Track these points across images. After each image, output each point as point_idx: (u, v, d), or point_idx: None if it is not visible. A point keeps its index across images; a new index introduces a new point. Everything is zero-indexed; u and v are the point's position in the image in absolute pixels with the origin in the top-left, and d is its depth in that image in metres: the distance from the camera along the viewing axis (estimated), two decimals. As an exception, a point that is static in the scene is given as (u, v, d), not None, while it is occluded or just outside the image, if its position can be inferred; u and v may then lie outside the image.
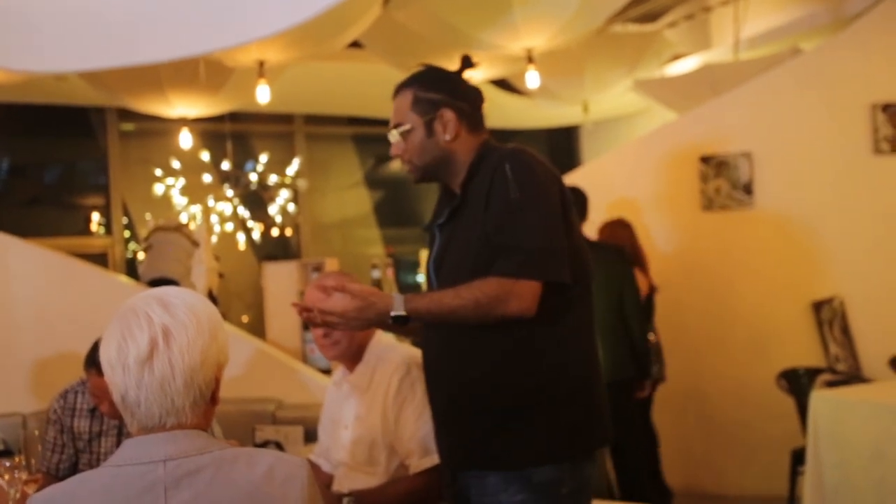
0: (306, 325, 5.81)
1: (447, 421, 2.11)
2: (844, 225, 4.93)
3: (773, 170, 5.04)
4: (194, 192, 8.61)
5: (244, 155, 9.39)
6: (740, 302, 5.09)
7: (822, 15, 6.13)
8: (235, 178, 8.90)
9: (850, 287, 4.91)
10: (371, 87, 6.83)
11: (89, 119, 9.01)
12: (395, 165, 10.05)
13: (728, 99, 5.23)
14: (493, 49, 5.29)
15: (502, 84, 7.57)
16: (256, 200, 9.09)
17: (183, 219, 8.11)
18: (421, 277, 8.59)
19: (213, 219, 8.69)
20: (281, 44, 4.72)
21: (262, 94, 5.23)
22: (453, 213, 2.10)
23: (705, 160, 5.16)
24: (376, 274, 7.41)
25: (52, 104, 7.96)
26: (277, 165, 9.18)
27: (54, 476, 2.88)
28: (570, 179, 4.72)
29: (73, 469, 2.93)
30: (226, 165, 8.65)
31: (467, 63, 2.15)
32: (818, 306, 4.90)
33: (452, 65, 2.18)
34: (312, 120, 9.93)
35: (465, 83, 2.15)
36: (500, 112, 7.98)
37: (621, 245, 4.53)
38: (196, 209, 8.59)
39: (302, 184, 9.64)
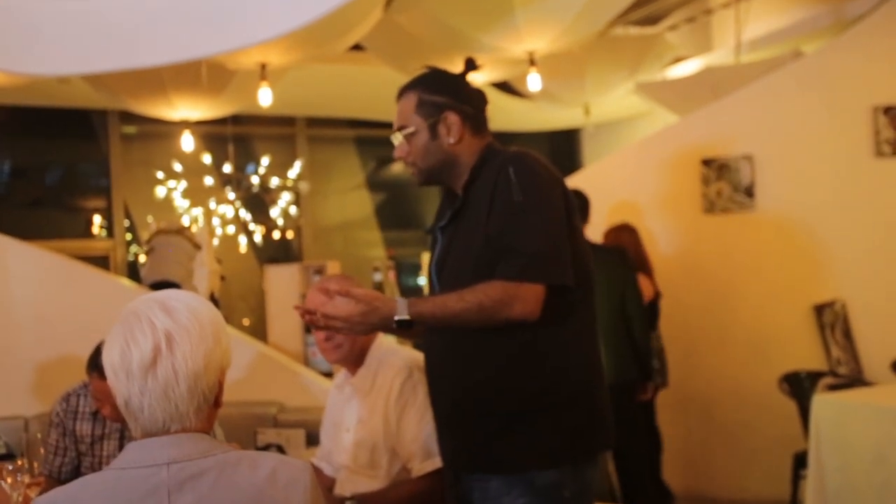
0: (308, 329, 5.82)
1: (450, 424, 2.11)
2: (846, 228, 4.93)
3: (775, 172, 5.04)
4: (196, 195, 8.62)
5: (246, 157, 9.41)
6: (742, 305, 5.09)
7: (823, 17, 6.13)
8: (237, 181, 8.91)
9: (851, 290, 4.90)
10: (373, 90, 6.86)
11: (91, 121, 9.03)
12: (397, 168, 10.08)
13: (729, 102, 5.22)
14: (494, 52, 5.29)
15: (504, 87, 7.58)
16: (258, 203, 9.10)
17: (185, 221, 8.11)
18: (423, 280, 8.59)
19: (215, 221, 8.71)
20: (283, 46, 4.72)
21: (264, 97, 5.24)
22: (455, 216, 2.10)
23: (707, 163, 5.16)
24: (378, 277, 7.41)
25: (54, 106, 7.98)
26: (279, 168, 9.19)
27: (56, 479, 2.88)
28: (572, 182, 4.70)
29: (76, 472, 2.92)
30: (227, 168, 8.66)
31: (471, 65, 2.15)
32: (820, 309, 4.89)
33: (454, 67, 2.18)
34: (314, 122, 9.94)
35: (468, 86, 2.15)
36: (502, 115, 7.98)
37: (624, 248, 4.53)
38: (198, 212, 8.59)
39: (303, 186, 9.65)
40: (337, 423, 2.54)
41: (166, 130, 8.07)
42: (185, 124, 6.36)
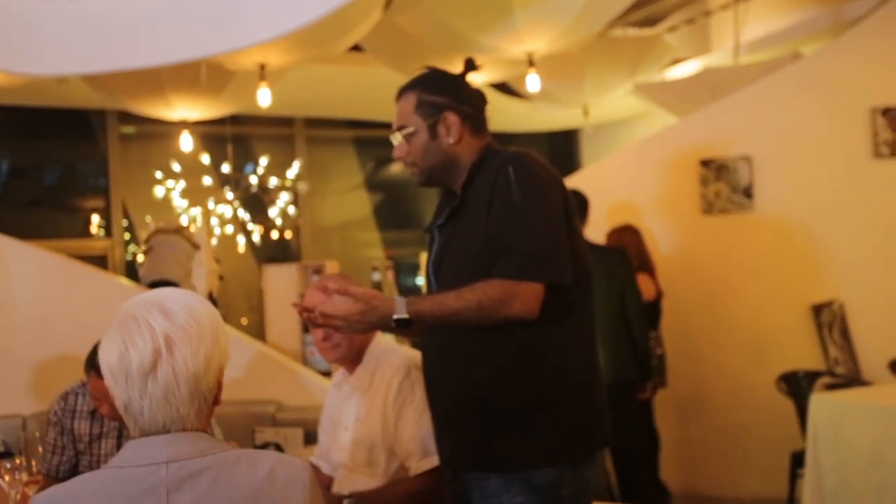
0: (306, 328, 5.81)
1: (449, 423, 2.11)
2: (844, 228, 4.93)
3: (773, 173, 5.05)
4: (194, 195, 8.61)
5: (244, 158, 9.40)
6: (740, 305, 5.10)
7: (822, 19, 6.13)
8: (236, 181, 8.91)
9: (849, 290, 4.91)
10: (371, 91, 6.86)
11: (90, 121, 9.02)
12: (396, 169, 10.08)
13: (728, 103, 5.23)
14: (493, 52, 5.29)
15: (503, 87, 7.58)
16: (257, 203, 9.09)
17: (183, 221, 8.11)
18: (421, 280, 8.59)
19: (214, 221, 8.70)
20: (282, 47, 4.73)
21: (263, 98, 5.24)
22: (453, 214, 2.10)
23: (705, 164, 5.17)
24: (376, 276, 7.40)
25: (52, 107, 7.97)
26: (278, 168, 9.18)
27: (55, 478, 2.89)
28: (571, 183, 4.71)
29: (74, 471, 2.93)
30: (226, 168, 8.65)
31: (471, 66, 2.15)
32: (818, 309, 4.90)
33: (454, 68, 2.18)
34: (313, 123, 9.93)
35: (468, 86, 2.16)
36: (501, 115, 7.98)
37: (623, 248, 4.54)
38: (196, 212, 8.59)
39: (302, 186, 9.65)
40: (335, 422, 2.55)
41: (165, 130, 8.06)
42: (183, 124, 6.35)
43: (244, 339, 4.68)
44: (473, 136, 2.12)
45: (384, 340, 2.51)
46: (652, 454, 4.80)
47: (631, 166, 5.51)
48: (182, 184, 8.54)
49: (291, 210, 9.27)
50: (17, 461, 2.36)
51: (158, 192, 8.49)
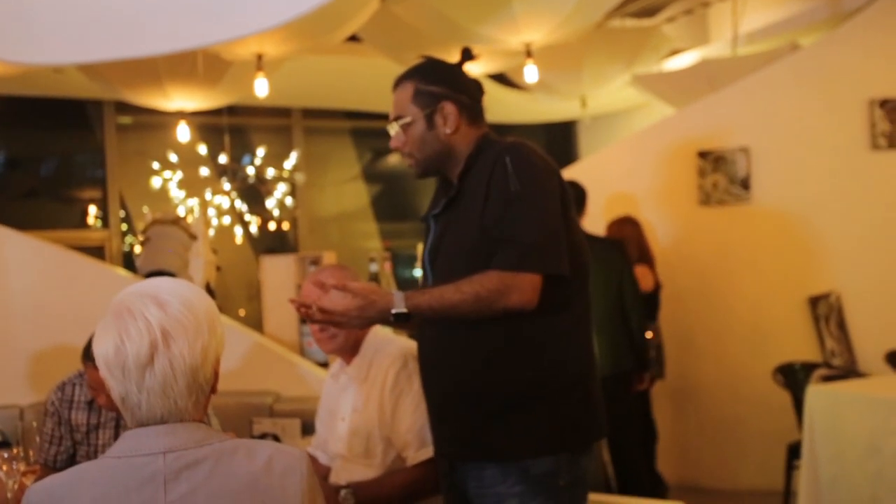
0: (304, 319, 5.82)
1: (446, 413, 2.11)
2: (841, 220, 4.94)
3: (771, 165, 5.05)
4: (192, 186, 8.59)
5: (242, 148, 9.38)
6: (737, 296, 5.10)
7: (820, 10, 6.12)
8: (233, 172, 8.89)
9: (846, 282, 4.92)
10: (369, 81, 6.85)
11: (86, 112, 9.00)
12: (393, 159, 10.06)
13: (726, 94, 5.23)
14: (491, 43, 5.28)
15: (500, 78, 7.57)
16: (254, 194, 9.08)
17: (180, 212, 8.10)
18: (418, 272, 8.59)
19: (211, 212, 8.68)
20: (279, 37, 4.71)
21: (260, 88, 5.22)
22: (450, 204, 2.10)
23: (703, 155, 5.16)
24: (374, 268, 7.40)
25: (49, 97, 7.94)
26: (275, 159, 9.17)
27: (52, 468, 2.89)
28: (569, 174, 4.72)
29: (71, 461, 2.93)
30: (223, 159, 8.64)
31: (468, 55, 2.15)
32: (814, 301, 4.91)
33: (451, 58, 2.18)
34: (310, 114, 9.91)
35: (465, 76, 2.15)
36: (498, 106, 7.97)
37: (620, 239, 4.54)
38: (193, 202, 8.57)
39: (299, 177, 9.63)
40: (332, 412, 2.55)
41: (162, 121, 8.04)
42: (180, 115, 6.34)
43: (242, 330, 4.68)
44: (470, 125, 2.12)
45: (381, 331, 2.51)
46: (649, 445, 4.81)
47: (629, 157, 5.51)
48: (179, 174, 8.52)
49: (289, 201, 9.26)
50: (15, 451, 2.36)
51: (155, 182, 8.47)
